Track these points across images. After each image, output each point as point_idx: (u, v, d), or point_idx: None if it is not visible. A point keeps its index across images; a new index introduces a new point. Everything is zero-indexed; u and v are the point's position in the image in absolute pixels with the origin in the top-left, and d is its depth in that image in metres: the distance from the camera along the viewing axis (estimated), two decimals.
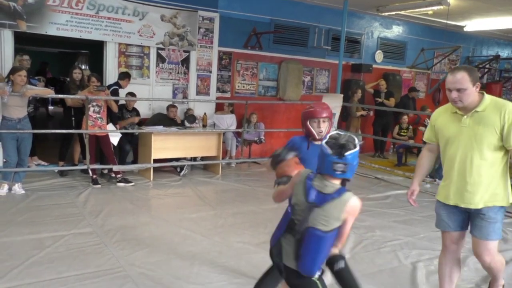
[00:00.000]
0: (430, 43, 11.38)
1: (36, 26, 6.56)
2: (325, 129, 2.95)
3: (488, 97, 2.87)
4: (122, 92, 7.00)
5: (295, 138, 3.09)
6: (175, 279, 3.54)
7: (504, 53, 13.44)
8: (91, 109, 6.17)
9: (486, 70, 12.91)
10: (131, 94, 7.09)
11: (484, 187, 2.84)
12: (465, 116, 2.86)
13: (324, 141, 2.22)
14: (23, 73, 5.46)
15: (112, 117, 6.68)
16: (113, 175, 6.50)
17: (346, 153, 2.14)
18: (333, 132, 2.27)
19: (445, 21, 10.02)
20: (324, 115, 2.95)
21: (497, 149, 2.82)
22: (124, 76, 6.90)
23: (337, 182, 2.20)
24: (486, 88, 12.65)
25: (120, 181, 6.41)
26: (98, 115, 6.25)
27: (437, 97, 11.78)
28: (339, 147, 2.15)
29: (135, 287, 3.36)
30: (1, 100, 5.34)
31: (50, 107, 14.81)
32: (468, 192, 2.86)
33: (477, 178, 2.83)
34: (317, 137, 2.94)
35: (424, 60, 11.23)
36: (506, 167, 2.90)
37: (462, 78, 2.77)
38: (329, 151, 2.16)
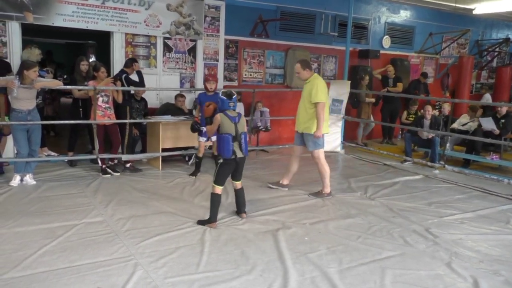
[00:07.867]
0: (438, 27, 11.26)
1: (43, 18, 6.59)
2: (213, 87, 6.14)
3: None
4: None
5: (200, 94, 6.43)
6: (185, 266, 3.58)
7: None
8: (100, 99, 6.20)
9: (496, 53, 12.75)
10: None
11: None
12: None
13: (220, 94, 4.49)
14: (37, 68, 5.63)
15: (120, 108, 6.58)
16: (125, 164, 6.55)
17: (233, 97, 4.44)
18: (223, 90, 4.63)
19: (453, 4, 9.90)
20: (212, 80, 6.19)
21: None
22: (130, 62, 6.70)
23: (235, 113, 4.48)
24: (496, 72, 12.52)
25: (129, 171, 6.45)
26: (107, 105, 6.29)
27: (445, 82, 11.66)
28: (229, 95, 4.44)
29: (146, 275, 3.41)
30: (11, 93, 5.40)
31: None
32: None
33: None
34: (209, 90, 6.15)
35: (433, 44, 11.13)
36: None
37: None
38: (225, 98, 4.42)
